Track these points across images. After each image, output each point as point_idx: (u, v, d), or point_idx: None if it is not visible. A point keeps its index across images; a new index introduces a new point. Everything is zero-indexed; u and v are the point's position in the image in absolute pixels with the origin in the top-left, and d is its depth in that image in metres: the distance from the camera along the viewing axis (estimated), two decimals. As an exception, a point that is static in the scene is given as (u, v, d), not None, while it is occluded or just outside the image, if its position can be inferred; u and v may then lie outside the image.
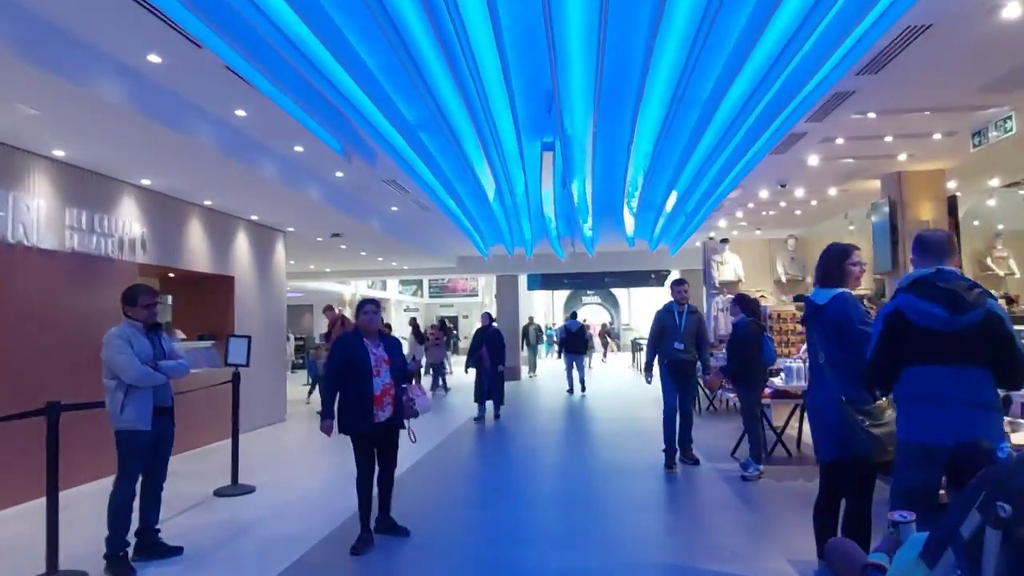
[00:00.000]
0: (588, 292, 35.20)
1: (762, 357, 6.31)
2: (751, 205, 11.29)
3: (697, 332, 6.84)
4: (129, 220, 7.44)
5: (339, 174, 8.49)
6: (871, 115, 6.56)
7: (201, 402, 7.27)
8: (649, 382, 7.00)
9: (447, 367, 15.90)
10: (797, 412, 7.32)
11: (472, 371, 11.03)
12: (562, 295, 35.50)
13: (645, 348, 7.19)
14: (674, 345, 6.71)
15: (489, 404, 10.79)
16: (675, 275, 16.85)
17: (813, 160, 8.23)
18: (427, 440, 8.33)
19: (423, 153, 7.21)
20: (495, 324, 11.35)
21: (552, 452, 8.40)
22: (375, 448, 4.65)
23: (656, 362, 6.91)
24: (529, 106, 6.36)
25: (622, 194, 9.19)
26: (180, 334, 8.77)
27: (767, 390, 6.84)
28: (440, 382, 15.10)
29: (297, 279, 19.18)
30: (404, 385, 4.73)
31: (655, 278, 19.17)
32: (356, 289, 24.78)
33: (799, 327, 10.07)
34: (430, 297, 32.48)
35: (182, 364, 4.45)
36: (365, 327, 4.67)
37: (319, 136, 6.75)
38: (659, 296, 26.94)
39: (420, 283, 31.70)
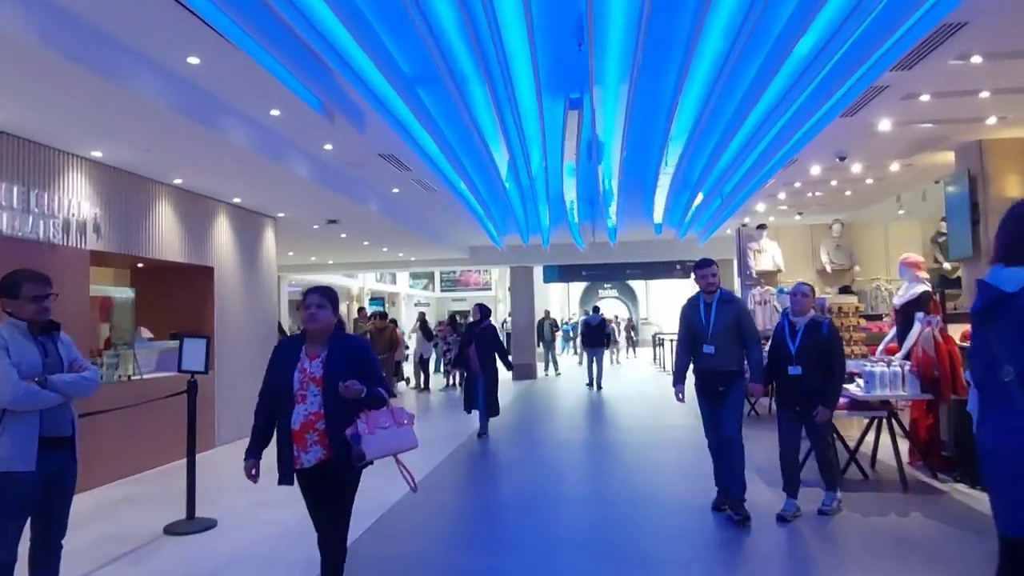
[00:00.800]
0: (605, 285, 33.87)
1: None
2: (798, 184, 10.00)
3: (737, 327, 4.91)
4: (77, 199, 6.30)
5: (328, 147, 7.31)
6: (975, 59, 5.27)
7: (164, 411, 6.17)
8: (680, 399, 5.19)
9: None
10: (874, 426, 6.12)
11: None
12: (578, 288, 34.23)
13: (675, 354, 5.54)
14: (703, 349, 4.92)
15: (476, 414, 8.85)
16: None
17: (885, 125, 6.96)
18: (423, 461, 7.10)
19: (423, 115, 6.02)
20: (493, 320, 9.41)
21: (571, 473, 7.07)
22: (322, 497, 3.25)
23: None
24: (553, 51, 5.15)
25: (656, 167, 7.94)
26: (147, 332, 7.65)
27: (842, 400, 5.52)
28: (455, 380, 15.19)
29: (298, 272, 18.22)
30: (369, 412, 3.09)
31: (680, 269, 17.81)
32: (364, 283, 23.76)
33: (862, 322, 8.77)
34: (442, 291, 31.39)
35: (86, 378, 3.25)
36: (306, 328, 3.28)
37: (296, 93, 5.55)
38: (680, 288, 25.60)
39: (431, 276, 30.65)
